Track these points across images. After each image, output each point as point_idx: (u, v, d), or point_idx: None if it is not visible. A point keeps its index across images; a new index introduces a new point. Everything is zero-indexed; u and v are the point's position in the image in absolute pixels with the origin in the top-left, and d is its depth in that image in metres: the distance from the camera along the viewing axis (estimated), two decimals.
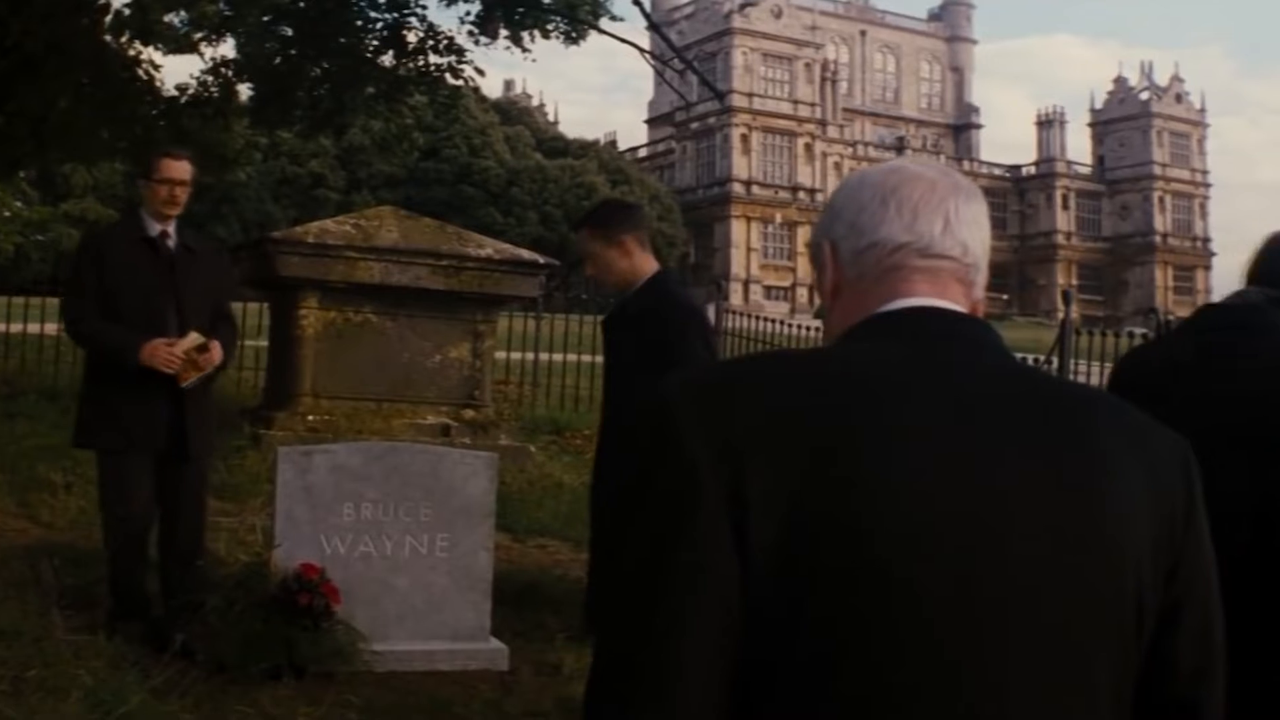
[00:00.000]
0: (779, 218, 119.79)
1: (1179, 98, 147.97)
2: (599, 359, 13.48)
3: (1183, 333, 4.45)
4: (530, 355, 22.63)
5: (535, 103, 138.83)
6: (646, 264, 8.71)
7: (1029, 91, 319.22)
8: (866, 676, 1.87)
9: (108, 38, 24.05)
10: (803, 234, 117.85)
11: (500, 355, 15.05)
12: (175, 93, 25.70)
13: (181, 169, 8.71)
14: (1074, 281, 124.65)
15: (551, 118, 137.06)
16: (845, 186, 2.33)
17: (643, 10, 26.90)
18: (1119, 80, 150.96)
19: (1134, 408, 2.19)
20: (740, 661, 1.88)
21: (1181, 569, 2.07)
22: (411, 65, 24.93)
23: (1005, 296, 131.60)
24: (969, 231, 2.23)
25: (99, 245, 8.79)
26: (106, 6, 23.03)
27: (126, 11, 23.75)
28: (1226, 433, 3.55)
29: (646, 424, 2.00)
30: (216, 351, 8.50)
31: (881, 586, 1.87)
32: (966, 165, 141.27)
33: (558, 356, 22.07)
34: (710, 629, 1.86)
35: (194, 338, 8.39)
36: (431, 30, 24.51)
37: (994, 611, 1.91)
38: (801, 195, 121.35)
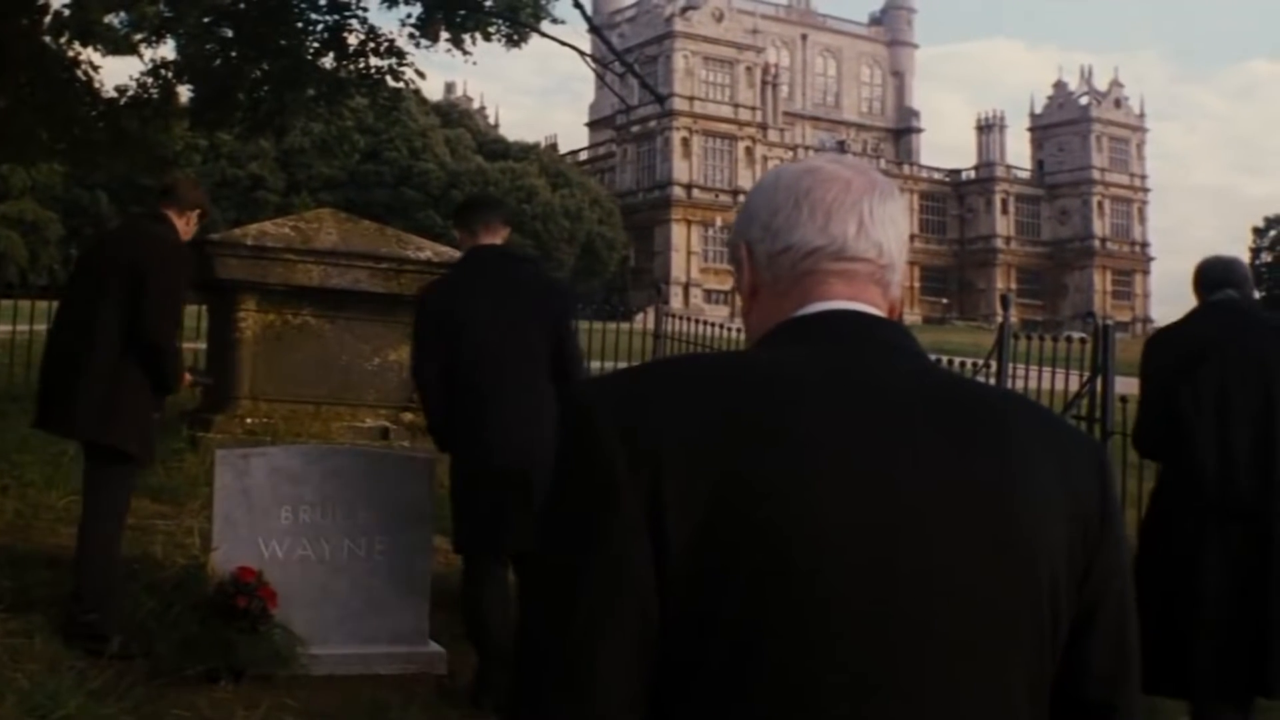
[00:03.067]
0: (719, 221, 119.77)
1: (1118, 103, 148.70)
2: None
3: (1202, 317, 7.58)
4: None
5: (476, 105, 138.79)
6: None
7: (968, 96, 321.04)
8: (779, 680, 1.88)
9: (47, 38, 23.93)
10: None
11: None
12: (115, 94, 25.57)
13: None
14: (1013, 286, 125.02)
15: (492, 120, 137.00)
16: (760, 187, 2.33)
17: (584, 13, 26.85)
18: (1059, 85, 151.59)
19: (1048, 410, 2.24)
20: (657, 661, 1.90)
21: (1095, 571, 2.10)
22: (352, 67, 24.85)
23: (945, 300, 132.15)
24: (884, 231, 2.24)
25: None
26: (46, 7, 22.92)
27: (66, 12, 23.61)
28: (1244, 371, 7.14)
29: (566, 429, 2.02)
30: None
31: (793, 591, 1.88)
32: (907, 169, 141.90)
33: None
34: (627, 632, 1.88)
35: None
36: (372, 32, 24.44)
37: (906, 615, 1.92)
38: (742, 199, 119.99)
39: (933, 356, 13.00)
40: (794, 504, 1.90)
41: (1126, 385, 10.95)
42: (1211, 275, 7.71)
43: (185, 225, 9.04)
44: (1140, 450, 7.98)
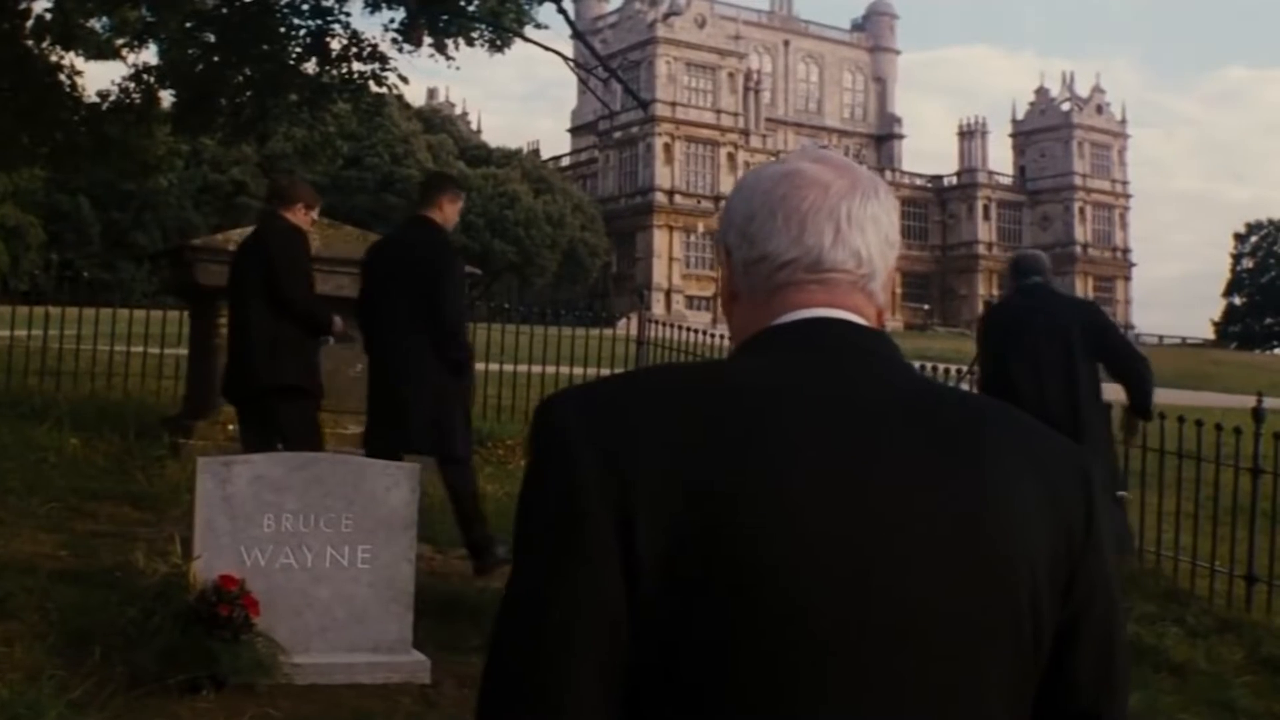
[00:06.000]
0: (701, 227, 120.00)
1: (1100, 109, 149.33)
2: (522, 368, 13.45)
3: (1019, 297, 11.18)
4: None
5: (459, 111, 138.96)
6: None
7: (949, 102, 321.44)
8: (752, 692, 1.85)
9: (29, 43, 23.90)
10: None
11: None
12: (97, 99, 25.55)
13: None
14: (995, 292, 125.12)
15: (475, 126, 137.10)
16: (738, 189, 2.28)
17: (567, 19, 26.85)
18: (1040, 91, 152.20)
19: (1032, 420, 2.16)
20: (631, 669, 1.87)
21: (1079, 582, 2.05)
22: (335, 72, 24.81)
23: (927, 306, 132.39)
24: (864, 237, 2.16)
25: None
26: (27, 11, 22.90)
27: (48, 16, 23.60)
28: (1052, 335, 10.59)
29: (537, 440, 1.99)
30: None
31: (765, 605, 1.85)
32: (889, 175, 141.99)
33: (480, 366, 22.03)
34: (599, 647, 1.86)
35: None
36: (355, 37, 24.40)
37: (880, 628, 1.88)
38: (724, 205, 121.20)
39: (915, 364, 13.08)
40: (766, 517, 1.86)
41: (1113, 391, 10.92)
42: (1023, 266, 11.36)
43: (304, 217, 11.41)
44: (983, 389, 10.93)
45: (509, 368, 19.42)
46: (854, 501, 1.90)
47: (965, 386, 11.55)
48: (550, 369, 18.82)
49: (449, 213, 11.24)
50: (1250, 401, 12.38)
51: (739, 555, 1.85)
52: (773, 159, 2.41)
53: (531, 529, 1.95)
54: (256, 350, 10.91)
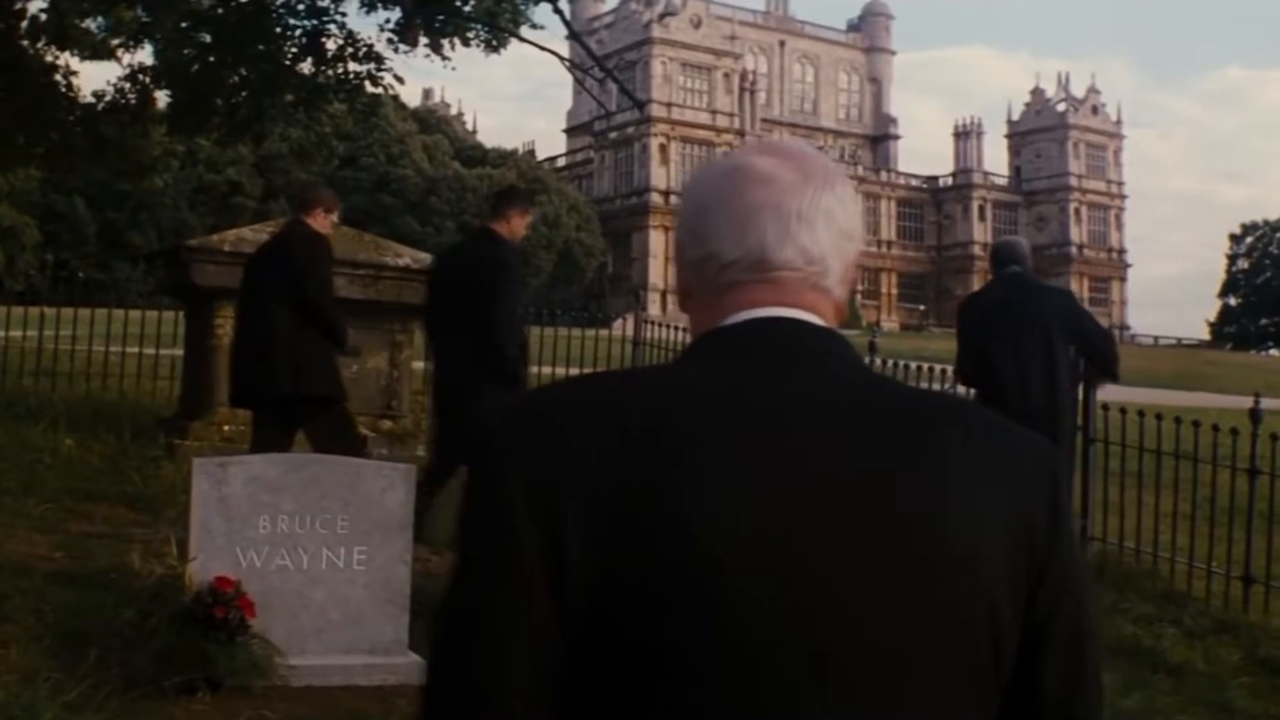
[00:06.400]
0: None
1: (1095, 109, 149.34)
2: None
3: (999, 285, 11.51)
4: None
5: (454, 111, 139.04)
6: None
7: (944, 102, 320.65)
8: (686, 706, 1.82)
9: (24, 43, 23.88)
10: None
11: (418, 365, 14.98)
12: (92, 99, 25.52)
13: None
14: None
15: (470, 126, 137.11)
16: (689, 184, 2.23)
17: (564, 19, 26.86)
18: (1036, 92, 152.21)
19: (996, 416, 2.10)
20: (567, 684, 1.85)
21: (1046, 585, 1.98)
22: (331, 73, 24.79)
23: (922, 307, 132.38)
24: (813, 232, 2.08)
25: None
26: (23, 11, 22.88)
27: (43, 17, 23.58)
28: (1031, 324, 10.96)
29: (472, 456, 1.97)
30: None
31: (696, 617, 1.81)
32: (884, 176, 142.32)
33: None
34: (530, 662, 1.84)
35: None
36: (351, 38, 24.39)
37: (819, 640, 1.83)
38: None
39: (912, 365, 13.08)
40: (696, 528, 1.82)
41: (1110, 393, 10.92)
42: (1003, 254, 11.74)
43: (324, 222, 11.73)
44: (961, 377, 11.69)
45: None
46: (789, 510, 1.84)
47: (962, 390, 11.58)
48: (546, 369, 18.80)
49: (515, 226, 11.33)
50: (1246, 402, 12.38)
51: (670, 568, 1.81)
52: (727, 151, 2.35)
53: (465, 544, 1.93)
54: (280, 356, 11.06)
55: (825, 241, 2.08)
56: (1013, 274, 11.48)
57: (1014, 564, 1.94)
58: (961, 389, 11.73)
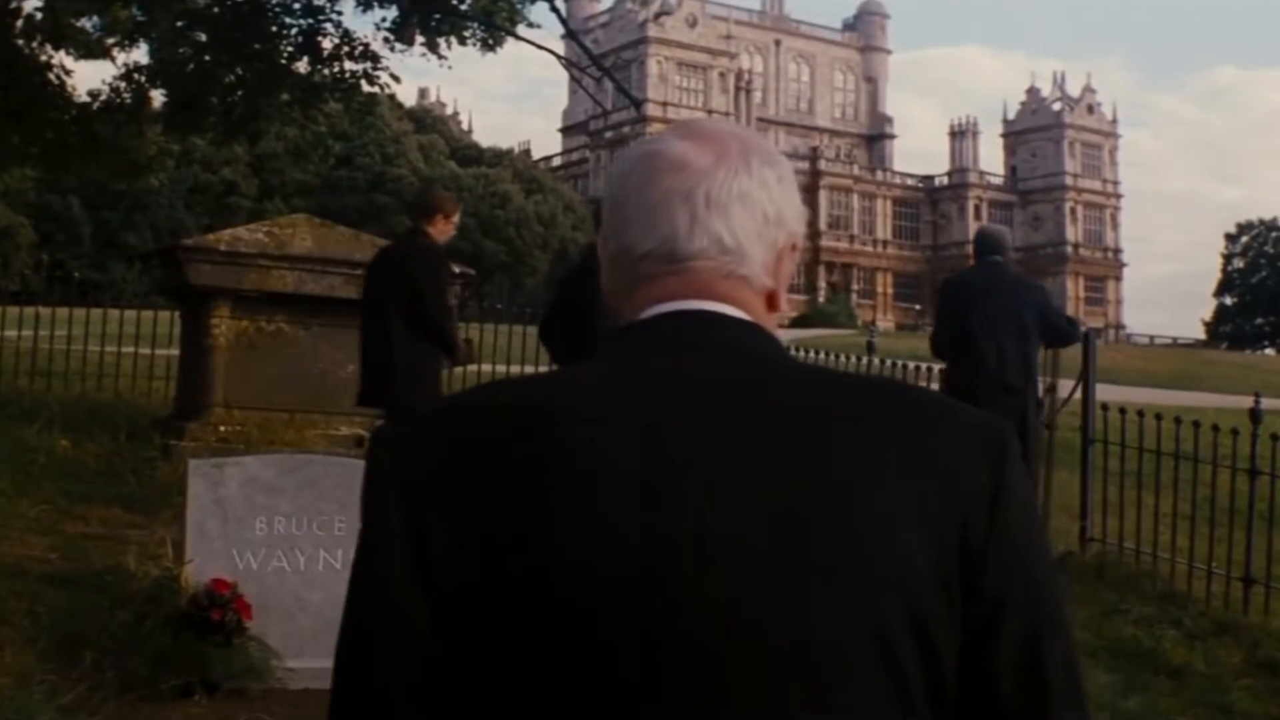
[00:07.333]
0: None
1: (1091, 109, 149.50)
2: (514, 369, 13.48)
3: (979, 271, 12.26)
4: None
5: (450, 111, 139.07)
6: None
7: (940, 102, 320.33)
8: None
9: (19, 42, 23.86)
10: None
11: None
12: (88, 98, 25.54)
13: None
14: None
15: (466, 126, 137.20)
16: (609, 173, 2.15)
17: (560, 17, 26.88)
18: (1031, 91, 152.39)
19: (930, 395, 2.01)
20: (448, 701, 1.81)
21: (988, 574, 1.82)
22: (327, 72, 24.82)
23: (918, 307, 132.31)
24: (727, 219, 1.97)
25: None
26: (18, 10, 22.86)
27: (38, 15, 23.56)
28: (1009, 310, 11.75)
29: (365, 470, 1.94)
30: None
31: (562, 636, 1.74)
32: (880, 175, 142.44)
33: (472, 367, 21.95)
34: (410, 675, 1.81)
35: None
36: (347, 36, 24.41)
37: (697, 659, 1.72)
38: None
39: (910, 364, 13.09)
40: (564, 542, 1.74)
41: (1108, 392, 10.89)
42: (988, 243, 12.41)
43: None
44: (935, 351, 12.51)
45: (500, 368, 19.34)
46: (663, 520, 1.74)
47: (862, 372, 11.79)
48: (542, 369, 18.76)
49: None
50: (1244, 401, 12.37)
51: (532, 587, 1.74)
52: (645, 138, 2.25)
53: (356, 555, 1.91)
54: (398, 370, 11.25)
55: (742, 227, 1.97)
56: (994, 263, 12.20)
57: (942, 557, 1.79)
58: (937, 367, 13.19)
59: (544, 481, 1.77)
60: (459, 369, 14.03)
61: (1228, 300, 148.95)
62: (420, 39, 24.53)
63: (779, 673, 1.73)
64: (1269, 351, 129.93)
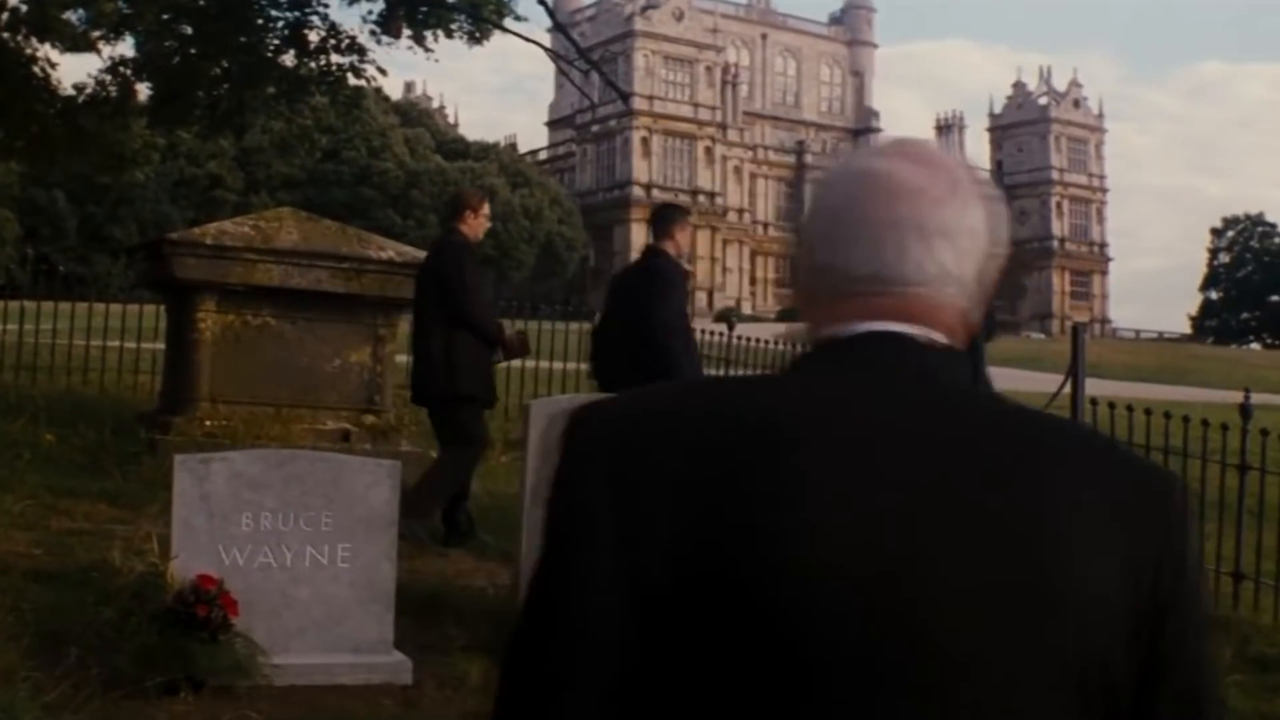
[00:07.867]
0: None
1: (1077, 103, 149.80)
2: (501, 364, 13.43)
3: None
4: None
5: (436, 104, 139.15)
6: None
7: (925, 95, 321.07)
8: None
9: (4, 35, 23.79)
10: (702, 238, 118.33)
11: (401, 359, 14.92)
12: (73, 91, 25.51)
13: None
14: None
15: (452, 120, 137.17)
16: (820, 183, 2.14)
17: (548, 10, 26.83)
18: (1017, 85, 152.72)
19: (1111, 443, 1.99)
20: (640, 701, 1.78)
21: (1165, 628, 1.86)
22: (313, 65, 24.78)
23: None
24: (929, 249, 1.95)
25: None
26: (3, 3, 22.77)
27: (23, 8, 23.49)
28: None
29: (563, 454, 1.89)
30: None
31: (779, 647, 1.73)
32: None
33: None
34: (601, 673, 1.78)
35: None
36: (333, 29, 24.38)
37: (907, 673, 1.73)
38: (701, 199, 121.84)
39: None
40: (785, 555, 1.73)
41: (1095, 387, 10.87)
42: None
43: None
44: None
45: None
46: (881, 537, 1.75)
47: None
48: (529, 363, 18.72)
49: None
50: (1231, 396, 12.36)
51: (752, 598, 1.73)
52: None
53: (548, 543, 1.87)
54: (437, 367, 11.91)
55: (945, 255, 1.98)
56: None
57: (1124, 597, 1.83)
58: None
59: (775, 495, 1.76)
60: (515, 361, 14.44)
61: (1214, 295, 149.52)
62: (407, 32, 24.49)
63: (979, 699, 1.75)
64: (1254, 346, 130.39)
